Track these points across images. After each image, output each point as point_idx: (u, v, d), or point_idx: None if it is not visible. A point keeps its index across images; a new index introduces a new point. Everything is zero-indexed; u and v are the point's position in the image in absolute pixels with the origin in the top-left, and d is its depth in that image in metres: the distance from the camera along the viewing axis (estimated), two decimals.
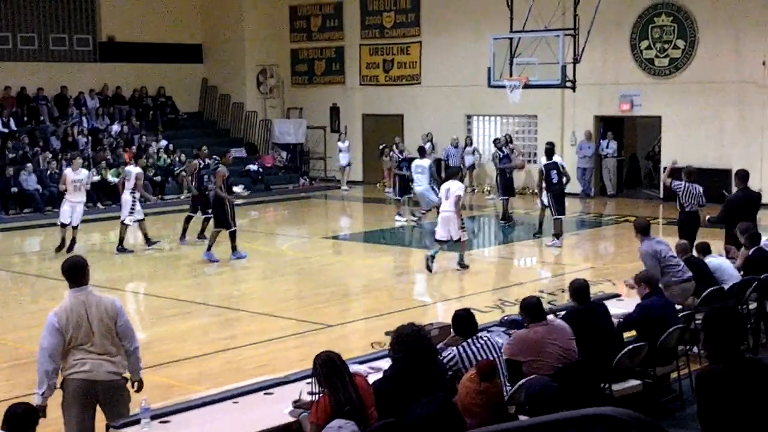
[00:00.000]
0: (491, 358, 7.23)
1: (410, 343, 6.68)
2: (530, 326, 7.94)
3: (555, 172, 18.27)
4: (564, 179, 18.41)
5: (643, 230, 11.09)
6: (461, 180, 16.69)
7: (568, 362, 7.68)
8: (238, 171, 29.45)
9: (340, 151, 29.58)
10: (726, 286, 10.56)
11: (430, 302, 14.59)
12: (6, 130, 26.74)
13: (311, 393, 6.32)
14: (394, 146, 24.83)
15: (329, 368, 6.17)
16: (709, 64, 24.26)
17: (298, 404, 6.63)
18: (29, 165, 24.58)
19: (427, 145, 26.95)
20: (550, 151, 19.08)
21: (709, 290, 10.29)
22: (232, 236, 17.36)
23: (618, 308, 9.60)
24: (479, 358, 7.13)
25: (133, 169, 18.95)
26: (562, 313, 8.55)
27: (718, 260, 11.29)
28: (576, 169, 25.62)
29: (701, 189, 14.47)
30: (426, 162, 20.87)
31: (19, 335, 12.42)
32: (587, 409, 4.38)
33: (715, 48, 24.17)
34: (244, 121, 32.18)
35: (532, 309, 7.98)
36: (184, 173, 27.09)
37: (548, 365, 7.61)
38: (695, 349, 10.06)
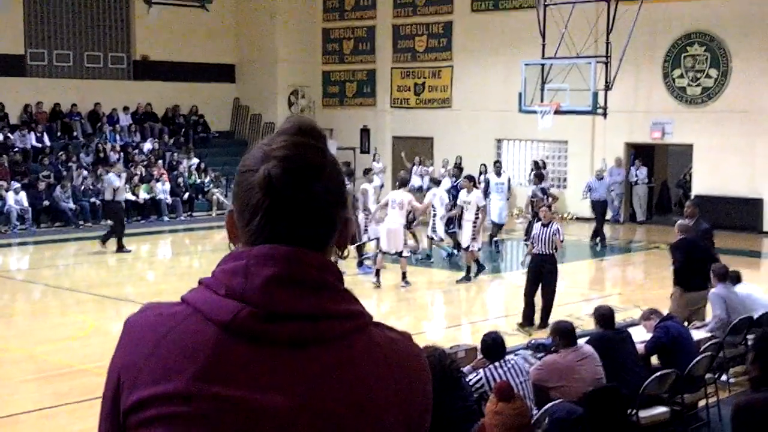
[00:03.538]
0: (518, 381, 7.23)
1: (434, 365, 6.70)
2: (561, 351, 7.91)
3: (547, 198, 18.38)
4: None
5: (721, 276, 10.81)
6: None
7: (596, 388, 7.65)
8: None
9: (375, 172, 29.40)
10: (756, 315, 10.50)
11: (457, 324, 14.56)
12: (39, 145, 27.04)
13: None
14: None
15: None
16: (741, 93, 24.17)
17: None
18: (67, 182, 24.82)
19: (444, 170, 26.81)
20: (541, 175, 19.12)
21: (738, 318, 10.23)
22: (359, 249, 17.85)
23: (646, 334, 9.55)
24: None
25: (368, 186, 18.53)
26: (585, 338, 8.52)
27: (747, 289, 11.20)
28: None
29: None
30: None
31: (48, 347, 12.52)
32: None
33: (748, 77, 24.08)
34: None
35: (565, 333, 7.96)
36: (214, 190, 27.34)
37: (577, 390, 7.59)
38: (723, 377, 10.01)
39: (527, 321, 13.04)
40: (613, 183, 25.99)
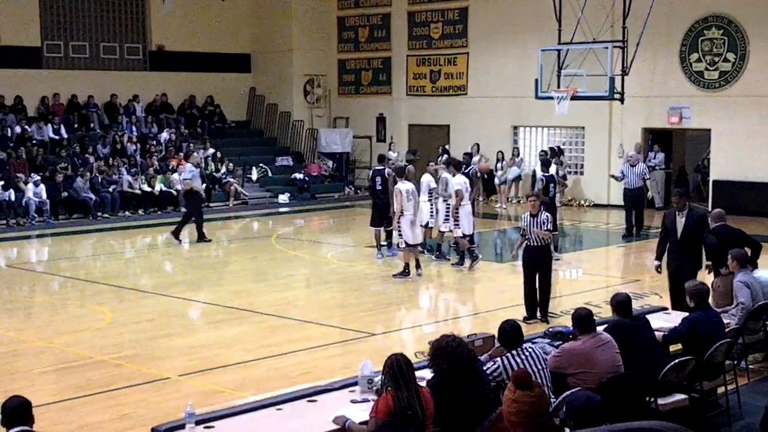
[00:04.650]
0: (536, 369, 7.20)
1: (451, 354, 6.70)
2: (579, 338, 7.89)
3: (552, 185, 17.89)
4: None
5: (742, 261, 10.69)
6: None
7: (614, 375, 7.62)
8: (283, 179, 29.64)
9: (391, 161, 29.33)
10: None
11: (474, 312, 14.54)
12: (57, 137, 27.12)
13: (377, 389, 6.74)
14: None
15: (396, 371, 6.29)
16: (759, 77, 23.99)
17: (336, 420, 6.64)
18: (87, 173, 24.92)
19: (444, 157, 26.48)
20: (547, 162, 18.75)
21: (757, 305, 10.17)
22: (388, 233, 18.13)
23: (664, 322, 9.53)
24: None
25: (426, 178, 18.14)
26: (604, 326, 8.49)
27: (765, 274, 11.10)
28: None
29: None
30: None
31: (67, 339, 12.57)
32: (634, 423, 4.33)
33: (766, 61, 23.89)
34: (291, 130, 32.35)
35: (583, 320, 7.92)
36: (232, 180, 27.35)
37: (596, 377, 7.55)
38: (743, 364, 9.96)
39: (531, 315, 12.95)
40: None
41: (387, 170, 18.24)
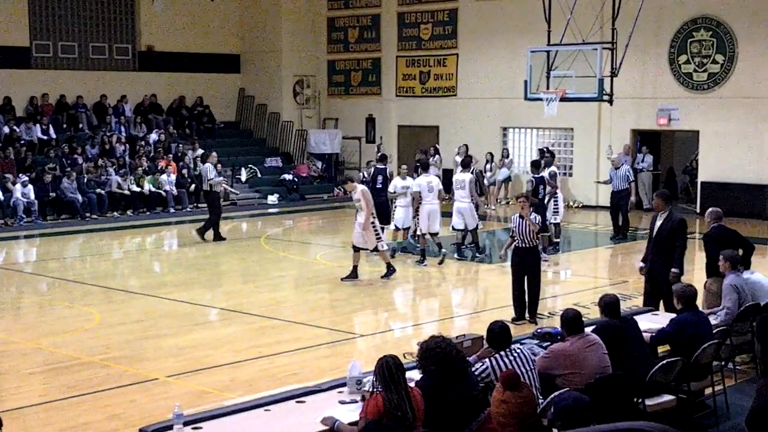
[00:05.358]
0: (524, 370, 7.22)
1: (440, 355, 6.71)
2: (568, 339, 7.90)
3: (542, 186, 18.04)
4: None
5: (734, 263, 10.70)
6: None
7: (602, 376, 7.64)
8: (273, 180, 29.62)
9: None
10: (762, 302, 10.45)
11: (463, 313, 14.56)
12: (45, 137, 27.05)
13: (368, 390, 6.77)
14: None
15: (386, 373, 6.32)
16: (748, 78, 24.08)
17: (325, 421, 6.64)
18: (73, 173, 24.85)
19: (436, 158, 26.83)
20: (537, 163, 18.76)
21: (745, 306, 10.20)
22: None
23: (652, 323, 9.56)
24: None
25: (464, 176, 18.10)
26: (592, 327, 8.50)
27: (757, 276, 11.13)
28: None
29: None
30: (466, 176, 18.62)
31: (55, 340, 12.54)
32: (621, 423, 4.35)
33: (754, 63, 23.98)
34: (280, 130, 32.33)
35: (571, 322, 7.94)
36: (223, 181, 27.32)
37: (584, 378, 7.57)
38: (730, 365, 9.99)
39: (520, 316, 12.96)
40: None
41: (389, 169, 18.60)
